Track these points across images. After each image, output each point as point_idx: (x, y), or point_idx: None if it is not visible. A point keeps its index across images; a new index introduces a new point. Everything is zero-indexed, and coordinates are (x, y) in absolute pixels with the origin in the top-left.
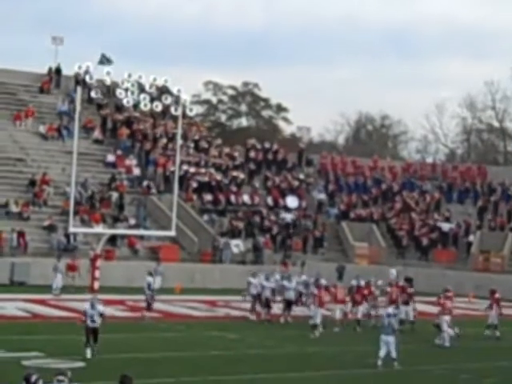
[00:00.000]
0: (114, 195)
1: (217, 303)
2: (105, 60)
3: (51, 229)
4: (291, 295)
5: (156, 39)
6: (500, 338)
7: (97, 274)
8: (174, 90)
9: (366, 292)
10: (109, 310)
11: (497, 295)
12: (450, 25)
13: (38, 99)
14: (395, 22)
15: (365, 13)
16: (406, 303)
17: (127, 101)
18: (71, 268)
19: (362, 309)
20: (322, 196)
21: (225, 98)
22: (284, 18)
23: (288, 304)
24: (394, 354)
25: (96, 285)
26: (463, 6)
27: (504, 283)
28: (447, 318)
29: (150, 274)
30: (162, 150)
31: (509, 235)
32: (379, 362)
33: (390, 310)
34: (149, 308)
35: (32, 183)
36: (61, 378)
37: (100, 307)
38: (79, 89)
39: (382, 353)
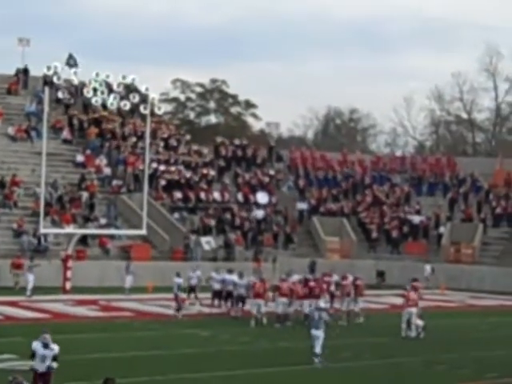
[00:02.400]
0: (84, 195)
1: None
2: (72, 61)
3: (21, 230)
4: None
5: (123, 38)
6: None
7: (68, 274)
8: (142, 89)
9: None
10: (81, 310)
11: (415, 283)
12: (417, 18)
13: (5, 100)
14: (363, 17)
15: (332, 8)
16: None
17: (95, 100)
18: (17, 266)
19: (306, 303)
20: (304, 206)
21: (193, 96)
22: (251, 13)
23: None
24: (318, 349)
25: (68, 285)
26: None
27: (475, 274)
28: (413, 309)
29: (178, 274)
30: (132, 149)
31: (479, 226)
32: (316, 360)
33: (321, 303)
34: (179, 308)
35: (1, 185)
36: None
37: (55, 347)
38: (47, 89)
39: (317, 349)
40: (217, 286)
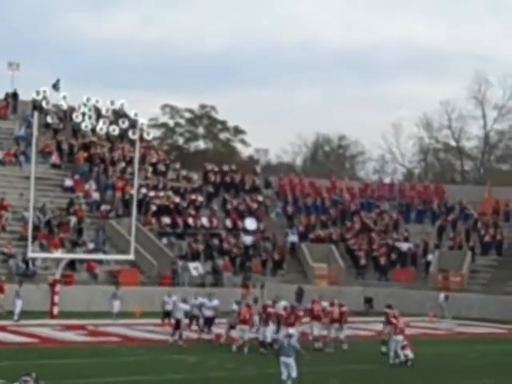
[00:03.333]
0: (73, 220)
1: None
2: (57, 86)
3: (9, 254)
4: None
5: (113, 63)
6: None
7: (56, 299)
8: (131, 114)
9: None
10: (69, 335)
11: (389, 310)
12: (406, 46)
13: None
14: (352, 44)
15: (322, 36)
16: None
17: (84, 125)
18: None
19: (270, 329)
20: (295, 238)
21: (182, 121)
22: (241, 41)
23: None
24: (293, 374)
25: (55, 310)
26: (419, 29)
27: (463, 302)
28: (400, 337)
29: (184, 300)
30: (120, 174)
31: (467, 254)
32: None
33: (291, 330)
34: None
35: None
36: (26, 378)
37: None
38: (36, 114)
39: (284, 376)
40: (168, 308)
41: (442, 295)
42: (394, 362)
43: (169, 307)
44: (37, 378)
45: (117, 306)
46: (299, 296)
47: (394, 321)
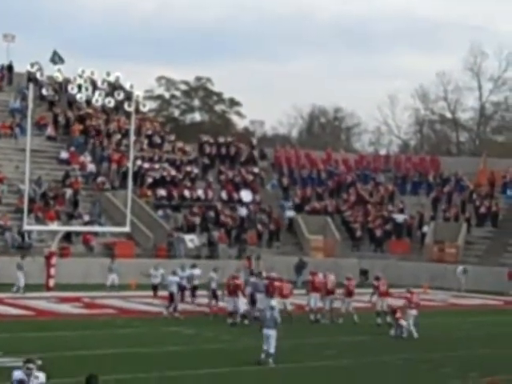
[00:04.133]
0: (68, 192)
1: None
2: (56, 58)
3: (5, 227)
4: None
5: (108, 35)
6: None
7: (52, 271)
8: (127, 86)
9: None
10: (65, 307)
11: (376, 282)
12: (402, 17)
13: None
14: (347, 16)
15: (317, 7)
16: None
17: (80, 97)
18: None
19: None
20: (292, 214)
21: (177, 93)
22: (236, 12)
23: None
24: (271, 350)
25: (51, 282)
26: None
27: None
28: (414, 312)
29: (174, 272)
30: (116, 146)
31: (463, 225)
32: (262, 356)
33: (273, 302)
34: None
35: None
36: (30, 365)
37: (40, 375)
38: (31, 86)
39: (266, 347)
40: (155, 281)
41: (460, 267)
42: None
43: (156, 280)
44: (40, 366)
45: (112, 278)
46: (299, 268)
47: (407, 295)
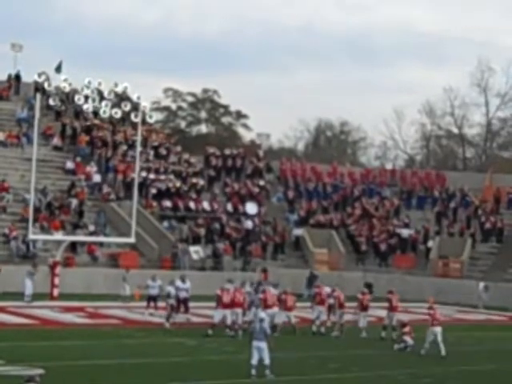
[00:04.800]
0: (74, 202)
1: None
2: (60, 69)
3: (11, 236)
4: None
5: (116, 46)
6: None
7: (56, 281)
8: (134, 97)
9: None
10: (69, 317)
11: (390, 295)
12: (409, 31)
13: None
14: (355, 29)
15: (324, 20)
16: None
17: (87, 107)
18: None
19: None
20: (299, 232)
21: (184, 105)
22: (244, 25)
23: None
24: (266, 361)
25: (55, 292)
26: (422, 13)
27: (463, 288)
28: (438, 329)
29: (171, 282)
30: (122, 157)
31: (467, 241)
32: (253, 372)
33: (262, 314)
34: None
35: None
36: None
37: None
38: (38, 96)
39: (255, 360)
40: (153, 292)
41: (481, 284)
42: (399, 348)
43: (154, 291)
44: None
45: (127, 289)
46: (310, 281)
47: (431, 312)
